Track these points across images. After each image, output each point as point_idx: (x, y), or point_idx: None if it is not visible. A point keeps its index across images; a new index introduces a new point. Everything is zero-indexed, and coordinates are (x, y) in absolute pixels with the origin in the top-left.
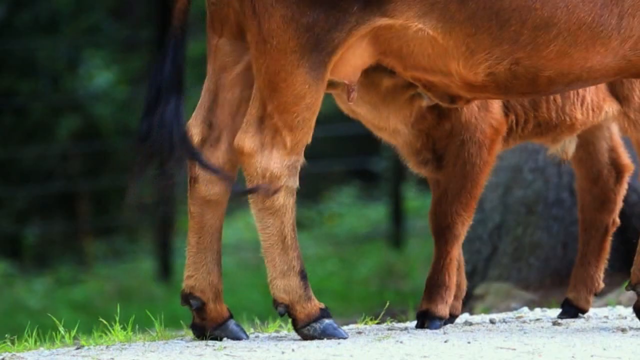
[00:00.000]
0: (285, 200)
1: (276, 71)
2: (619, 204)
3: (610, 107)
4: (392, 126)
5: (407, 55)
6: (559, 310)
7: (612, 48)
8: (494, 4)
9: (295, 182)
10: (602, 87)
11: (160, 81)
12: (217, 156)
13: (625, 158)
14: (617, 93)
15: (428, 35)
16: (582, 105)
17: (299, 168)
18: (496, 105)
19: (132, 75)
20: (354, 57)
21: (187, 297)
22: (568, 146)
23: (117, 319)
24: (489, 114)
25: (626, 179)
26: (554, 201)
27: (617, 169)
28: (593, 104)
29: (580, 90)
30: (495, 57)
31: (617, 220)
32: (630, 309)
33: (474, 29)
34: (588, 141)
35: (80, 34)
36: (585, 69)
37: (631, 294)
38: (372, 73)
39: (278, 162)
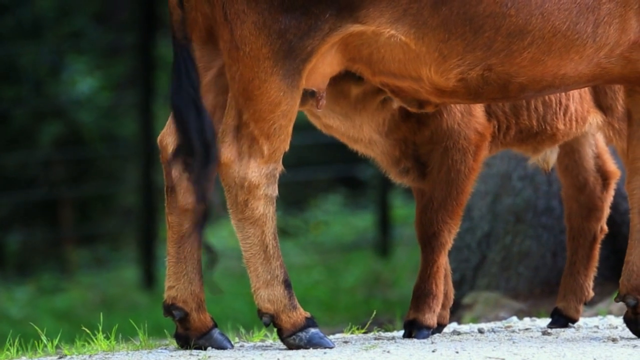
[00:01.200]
0: (265, 209)
1: (250, 79)
2: (607, 211)
3: (595, 118)
4: (366, 136)
5: (377, 61)
6: (548, 320)
7: (586, 56)
8: (468, 10)
9: (274, 191)
10: (587, 97)
11: (180, 101)
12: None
13: (611, 164)
14: (601, 103)
15: (400, 41)
16: (564, 115)
17: (277, 176)
18: (479, 110)
19: (115, 81)
20: (323, 64)
21: (169, 308)
22: (549, 156)
23: (100, 328)
24: (472, 119)
25: (613, 185)
26: (544, 209)
27: (604, 176)
28: (577, 115)
29: (564, 100)
30: (467, 63)
31: (605, 228)
32: (621, 319)
33: (447, 34)
34: (573, 149)
35: (63, 39)
36: (559, 76)
37: (622, 303)
38: (340, 82)
39: (256, 171)
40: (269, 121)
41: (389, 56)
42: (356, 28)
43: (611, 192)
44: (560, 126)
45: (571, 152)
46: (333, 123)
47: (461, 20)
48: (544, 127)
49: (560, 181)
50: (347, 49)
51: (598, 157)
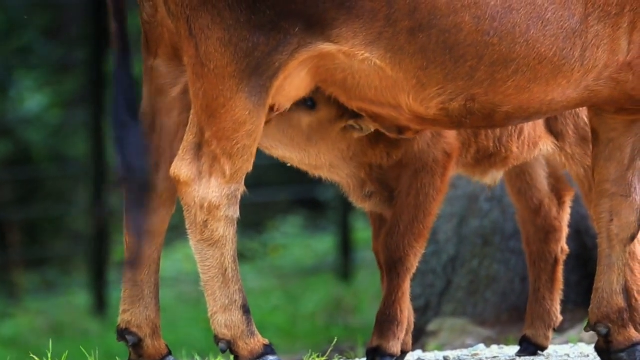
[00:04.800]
0: (225, 231)
1: (214, 96)
2: (565, 231)
3: (545, 144)
4: (327, 163)
5: (353, 86)
6: (517, 348)
7: (574, 80)
8: (448, 39)
9: (235, 212)
10: (540, 122)
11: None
12: (154, 184)
13: (565, 182)
14: (553, 128)
15: (375, 65)
16: (519, 138)
17: (239, 197)
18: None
19: (66, 98)
20: (290, 86)
21: (123, 333)
22: (496, 175)
23: (50, 355)
24: (441, 140)
25: (568, 204)
26: (512, 232)
27: (558, 195)
28: (530, 139)
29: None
30: (449, 93)
31: (566, 248)
32: (593, 347)
33: (426, 62)
34: (524, 171)
35: (12, 55)
36: (546, 102)
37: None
38: (288, 114)
39: (217, 191)
40: (233, 140)
41: (364, 82)
42: (327, 47)
43: (568, 211)
44: (514, 149)
45: (522, 174)
46: (287, 155)
47: (440, 49)
48: (499, 148)
49: (514, 205)
50: (318, 71)
51: (551, 176)
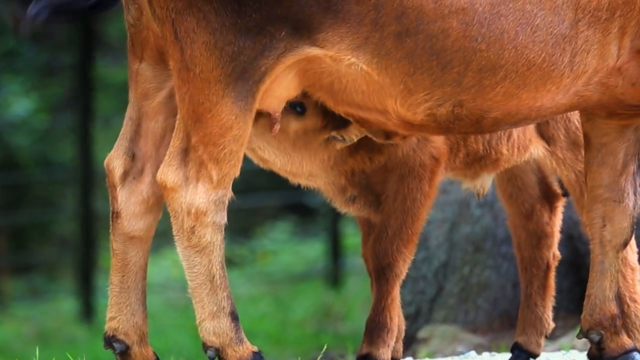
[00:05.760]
0: (213, 237)
1: (200, 101)
2: (557, 237)
3: (536, 148)
4: (307, 172)
5: (339, 90)
6: (508, 355)
7: (563, 86)
8: (435, 44)
9: (222, 218)
10: (530, 127)
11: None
12: (141, 190)
13: (556, 187)
14: (544, 133)
15: (362, 70)
16: (508, 140)
17: (226, 203)
18: None
19: (52, 103)
20: (279, 87)
21: (110, 340)
22: (486, 180)
23: None
24: (428, 144)
25: (560, 209)
26: (504, 238)
27: (550, 200)
28: (519, 142)
29: None
30: (436, 99)
31: (558, 254)
32: (585, 355)
33: (413, 67)
34: (515, 175)
35: None
36: (535, 108)
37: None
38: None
39: (204, 197)
40: (219, 146)
41: (351, 86)
42: (313, 51)
43: (559, 216)
44: (504, 151)
45: (514, 178)
46: (269, 157)
47: (427, 54)
48: (489, 151)
49: (505, 210)
50: (305, 74)
51: (542, 181)
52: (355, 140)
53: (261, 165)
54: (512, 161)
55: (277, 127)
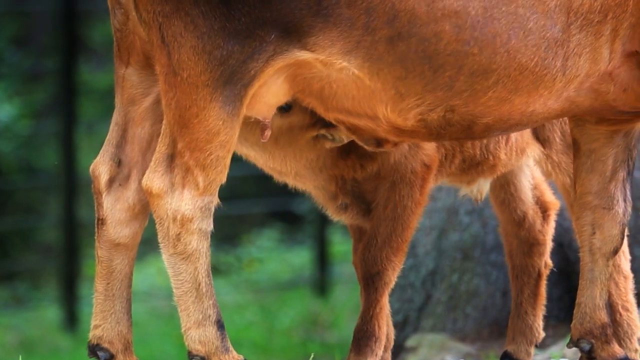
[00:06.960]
0: (199, 244)
1: (187, 106)
2: (549, 245)
3: (533, 151)
4: (292, 170)
5: (330, 96)
6: None
7: (556, 90)
8: (427, 48)
9: (209, 225)
10: (527, 130)
11: None
12: (127, 196)
13: (550, 195)
14: (540, 135)
15: (353, 75)
16: (506, 144)
17: (212, 209)
18: None
19: (35, 108)
20: (268, 93)
21: (94, 349)
22: (482, 185)
23: None
24: (420, 151)
25: (553, 217)
26: (493, 245)
27: (543, 208)
28: (517, 146)
29: None
30: (427, 104)
31: (550, 262)
32: None
33: (405, 72)
34: (509, 181)
35: None
36: (527, 113)
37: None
38: None
39: (190, 204)
40: (206, 151)
41: (342, 92)
42: (304, 55)
43: (552, 224)
44: (502, 156)
45: (507, 184)
46: (249, 153)
47: (419, 58)
48: (486, 156)
49: (497, 216)
50: (295, 80)
51: (535, 188)
52: (346, 140)
53: (245, 157)
54: (509, 166)
55: (268, 133)
